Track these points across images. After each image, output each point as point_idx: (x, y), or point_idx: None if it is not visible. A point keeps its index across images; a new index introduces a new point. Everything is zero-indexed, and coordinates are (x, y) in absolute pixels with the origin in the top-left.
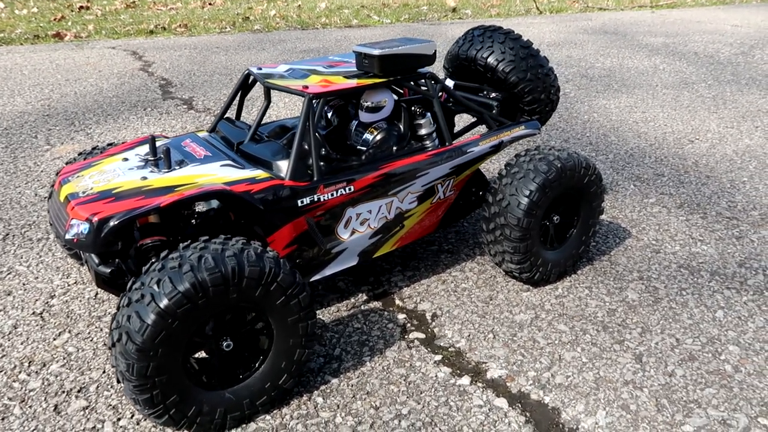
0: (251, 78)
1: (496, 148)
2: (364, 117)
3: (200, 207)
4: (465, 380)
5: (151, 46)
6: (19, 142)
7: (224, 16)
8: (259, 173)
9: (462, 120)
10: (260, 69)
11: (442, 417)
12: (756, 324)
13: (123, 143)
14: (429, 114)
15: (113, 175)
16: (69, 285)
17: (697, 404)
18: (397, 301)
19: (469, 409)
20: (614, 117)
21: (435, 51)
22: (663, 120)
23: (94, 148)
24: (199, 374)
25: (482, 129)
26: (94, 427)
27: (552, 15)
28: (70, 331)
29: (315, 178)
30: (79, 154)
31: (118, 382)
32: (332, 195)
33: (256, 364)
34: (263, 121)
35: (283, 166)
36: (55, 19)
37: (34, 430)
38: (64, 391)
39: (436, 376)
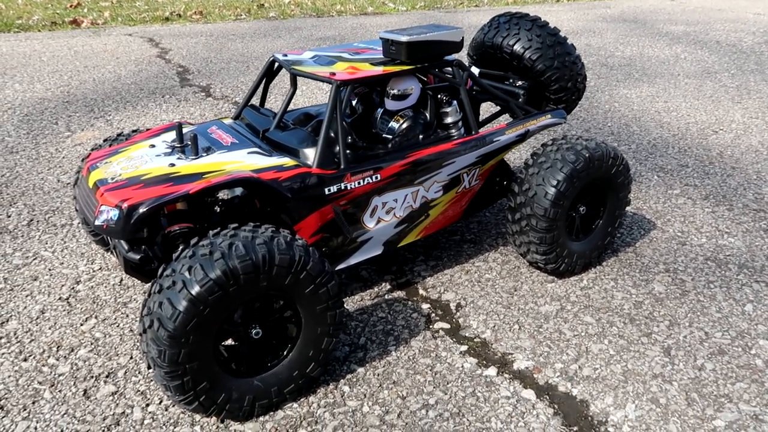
0: (276, 65)
1: (522, 137)
2: (390, 105)
3: (224, 194)
4: (491, 371)
5: (168, 33)
6: (40, 128)
7: (239, 3)
8: (287, 161)
9: (484, 109)
10: (285, 56)
11: (469, 408)
12: None
13: (148, 130)
14: (455, 102)
15: (141, 161)
16: (94, 271)
17: (728, 399)
18: (421, 291)
19: (496, 400)
20: (636, 107)
21: (462, 38)
22: (686, 110)
23: (119, 135)
24: (228, 361)
25: (503, 119)
26: (123, 412)
27: (569, 2)
28: (96, 317)
29: (342, 167)
30: (104, 141)
31: (149, 368)
32: (359, 183)
33: (284, 352)
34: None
35: (310, 154)
36: (71, 6)
37: (64, 414)
38: (92, 376)
39: (462, 366)
